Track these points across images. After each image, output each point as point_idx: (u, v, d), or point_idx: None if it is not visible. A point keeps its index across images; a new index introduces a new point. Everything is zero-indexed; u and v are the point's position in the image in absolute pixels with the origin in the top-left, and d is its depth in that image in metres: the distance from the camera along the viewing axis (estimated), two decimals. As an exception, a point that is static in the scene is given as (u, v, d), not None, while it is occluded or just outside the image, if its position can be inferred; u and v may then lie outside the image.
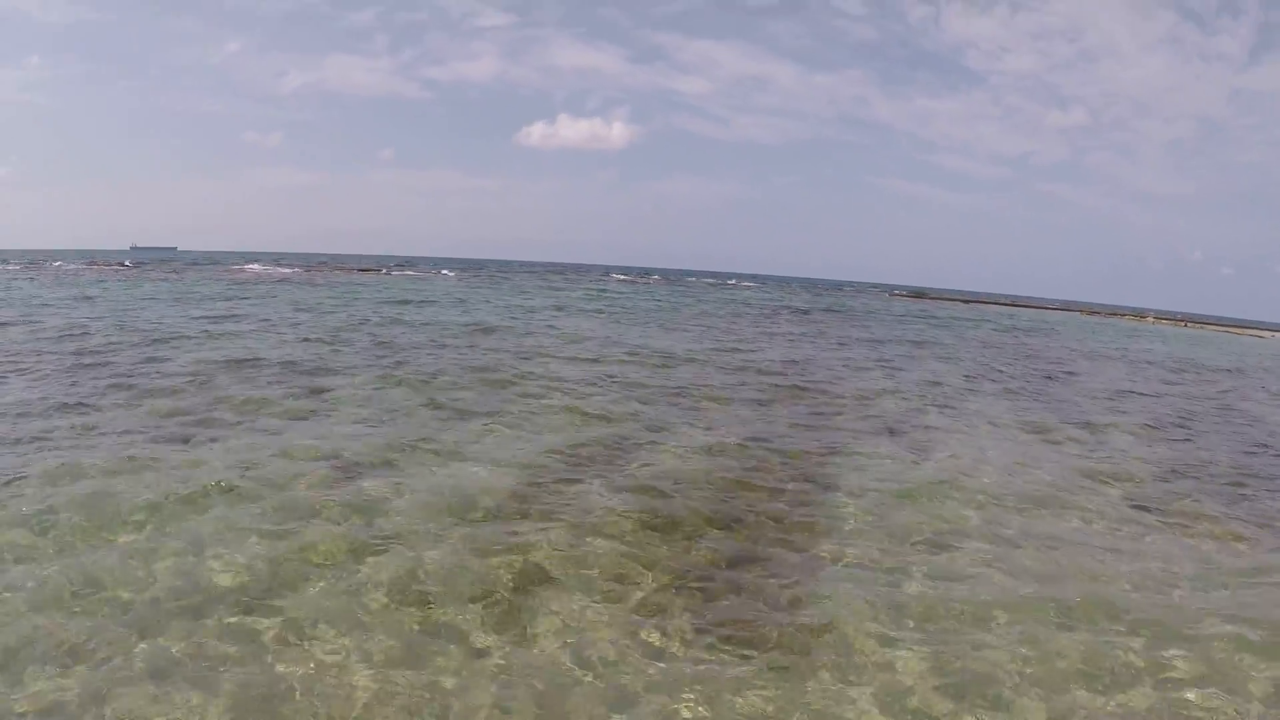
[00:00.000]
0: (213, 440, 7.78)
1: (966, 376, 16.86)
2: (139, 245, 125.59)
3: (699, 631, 4.54)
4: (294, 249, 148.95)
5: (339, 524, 5.73)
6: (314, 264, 63.30)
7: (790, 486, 7.51)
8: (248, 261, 62.23)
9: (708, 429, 9.64)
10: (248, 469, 6.80)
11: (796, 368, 16.04)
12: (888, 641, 4.50)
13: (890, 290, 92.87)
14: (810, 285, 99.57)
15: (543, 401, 10.61)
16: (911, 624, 4.74)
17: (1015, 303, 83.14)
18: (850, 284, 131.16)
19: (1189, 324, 64.79)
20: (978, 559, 5.88)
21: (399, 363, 13.20)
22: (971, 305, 66.51)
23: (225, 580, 4.75)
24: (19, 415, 8.37)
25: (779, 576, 5.39)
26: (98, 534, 5.35)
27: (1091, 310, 78.28)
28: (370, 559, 5.17)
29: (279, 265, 57.93)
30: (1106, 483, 8.45)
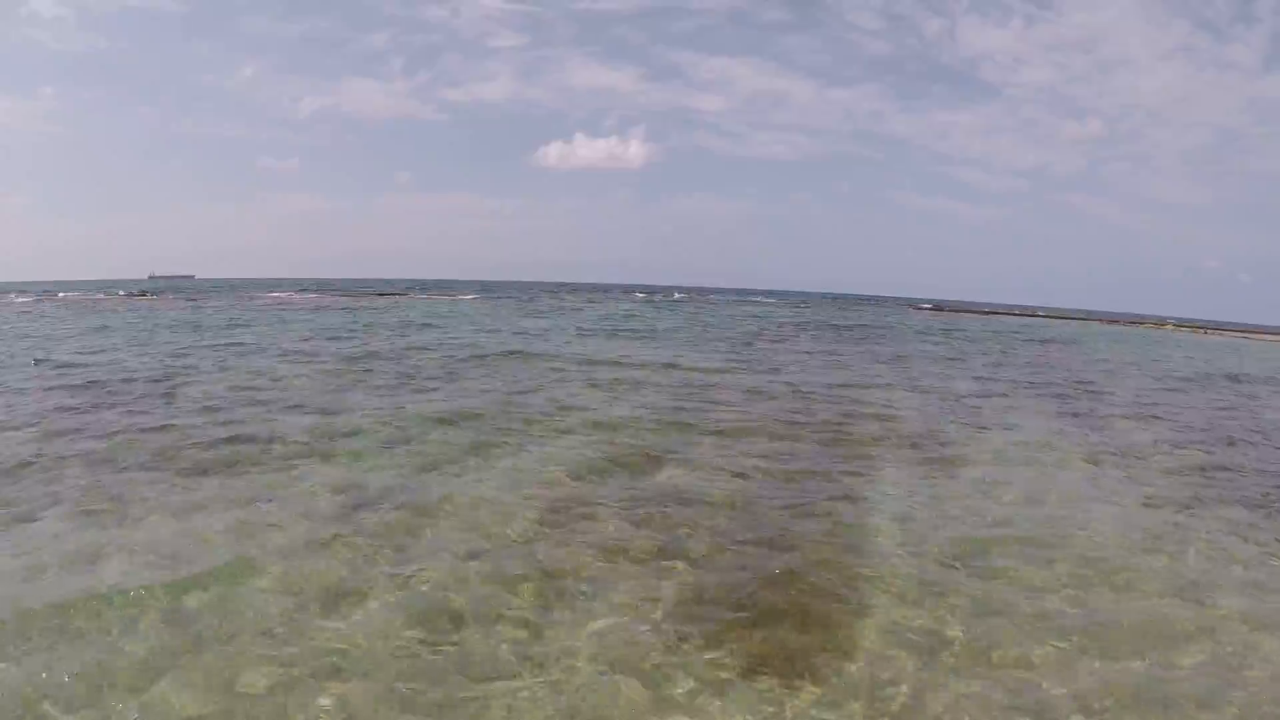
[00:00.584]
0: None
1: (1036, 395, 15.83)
2: (157, 274, 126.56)
3: (734, 659, 4.37)
4: (311, 274, 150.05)
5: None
6: (328, 291, 63.28)
7: (835, 511, 7.11)
8: (270, 289, 62.25)
9: (744, 453, 9.12)
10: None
11: (837, 389, 15.21)
12: (926, 673, 4.29)
13: (913, 304, 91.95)
14: (830, 300, 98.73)
15: (568, 422, 10.39)
16: (952, 661, 4.48)
17: (1032, 313, 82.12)
18: (870, 298, 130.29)
19: (1208, 331, 63.48)
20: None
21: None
22: (989, 317, 65.61)
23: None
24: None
25: (820, 600, 5.17)
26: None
27: (1111, 319, 77.00)
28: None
29: (303, 292, 57.98)
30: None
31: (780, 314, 51.89)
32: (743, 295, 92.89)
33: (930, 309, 78.18)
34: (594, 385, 13.89)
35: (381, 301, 47.41)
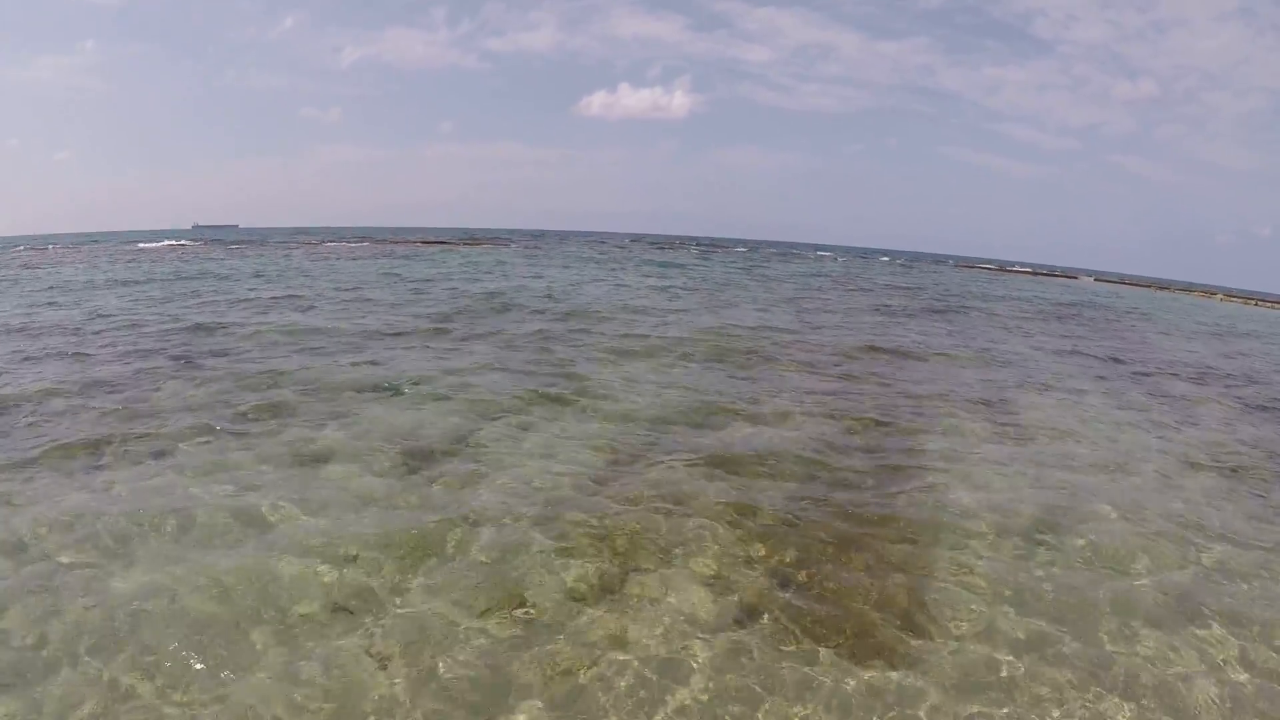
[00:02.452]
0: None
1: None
2: (200, 224, 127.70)
3: (802, 632, 4.24)
4: (355, 224, 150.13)
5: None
6: (381, 239, 63.13)
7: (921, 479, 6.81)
8: (326, 239, 62.36)
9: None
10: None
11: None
12: (1002, 653, 4.16)
13: (968, 262, 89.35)
14: (874, 255, 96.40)
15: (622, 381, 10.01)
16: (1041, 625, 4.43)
17: (1071, 274, 79.04)
18: (911, 254, 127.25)
19: (1259, 303, 57.45)
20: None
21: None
22: (1039, 279, 63.30)
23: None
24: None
25: (890, 574, 4.96)
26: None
27: (1160, 286, 73.63)
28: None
29: (346, 241, 58.05)
30: None
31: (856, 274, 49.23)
32: (786, 250, 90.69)
33: (978, 268, 76.06)
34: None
35: (465, 249, 46.73)
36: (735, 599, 4.53)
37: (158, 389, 8.52)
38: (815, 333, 15.75)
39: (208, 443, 6.72)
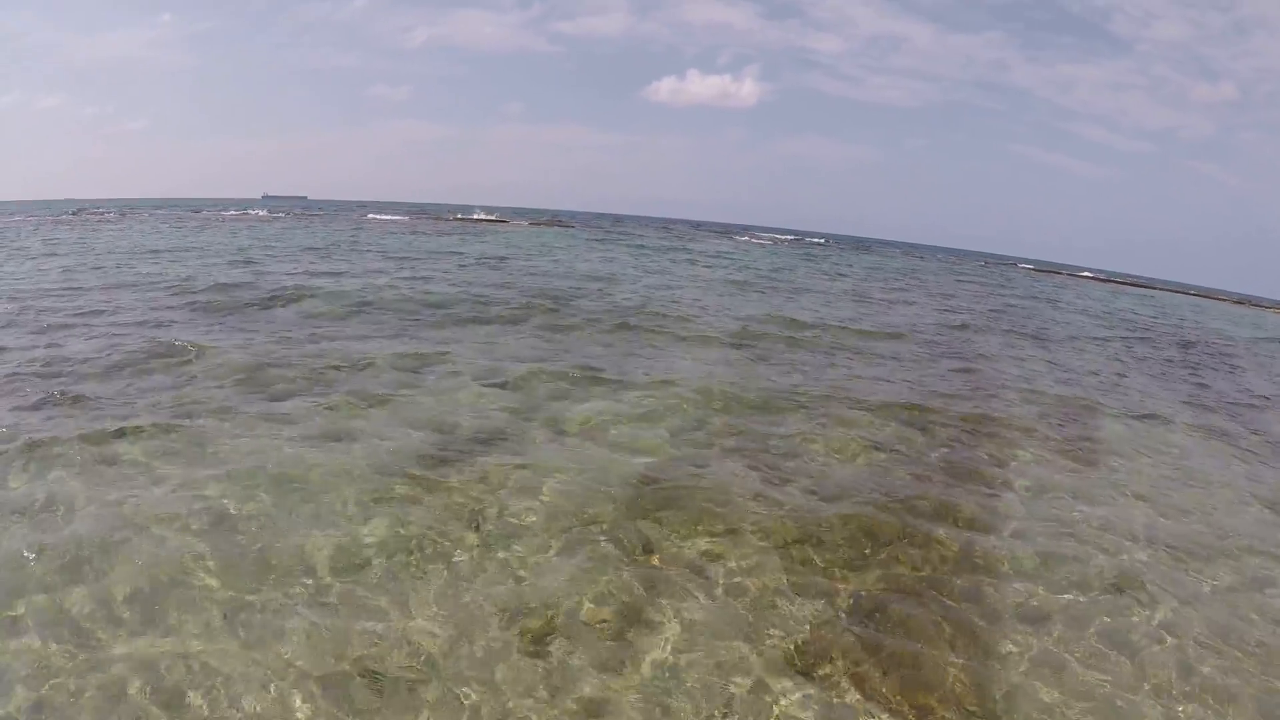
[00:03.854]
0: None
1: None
2: (270, 194, 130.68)
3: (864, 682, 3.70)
4: (422, 200, 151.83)
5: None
6: (437, 215, 63.72)
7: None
8: (371, 211, 63.11)
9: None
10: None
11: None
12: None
13: (1064, 269, 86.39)
14: (944, 255, 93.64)
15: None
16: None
17: (1144, 284, 75.34)
18: (974, 254, 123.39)
19: None
20: None
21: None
22: (1111, 286, 60.72)
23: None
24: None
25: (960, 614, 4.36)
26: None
27: (1237, 300, 69.67)
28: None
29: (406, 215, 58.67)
30: None
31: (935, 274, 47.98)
32: (859, 243, 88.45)
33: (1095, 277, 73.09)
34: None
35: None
36: (789, 636, 4.06)
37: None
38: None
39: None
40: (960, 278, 41.02)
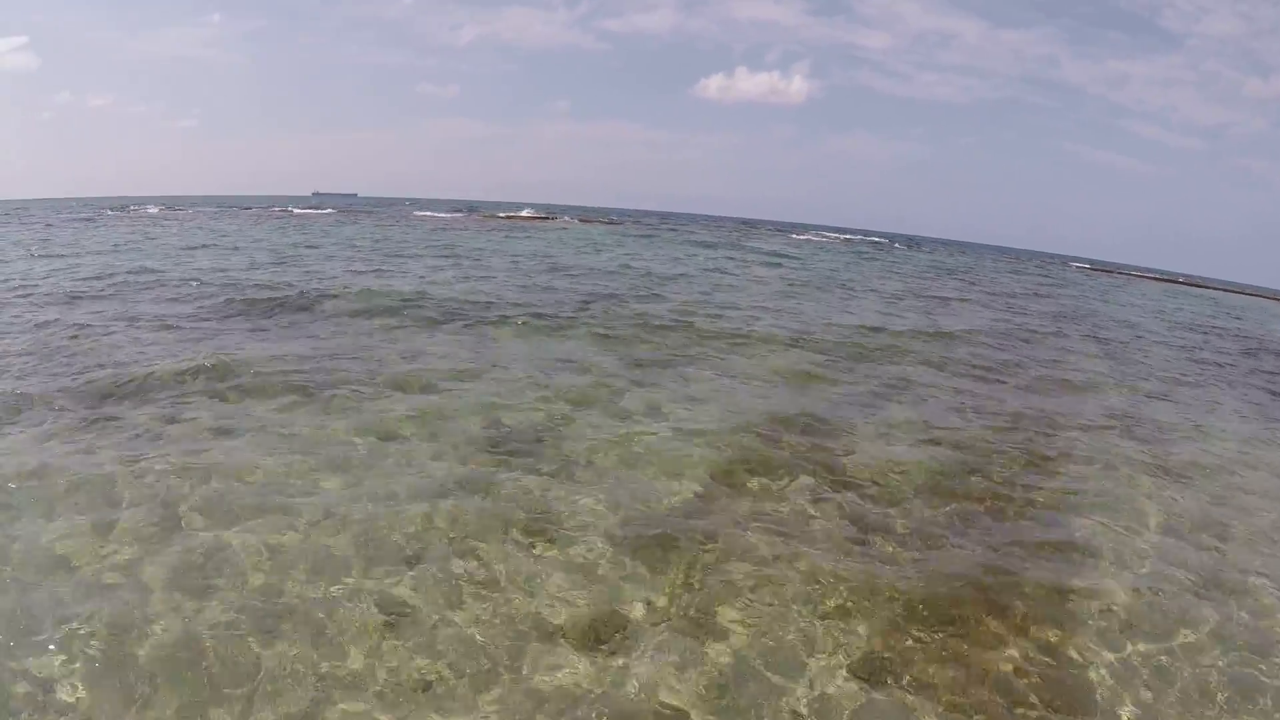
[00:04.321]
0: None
1: None
2: (320, 191, 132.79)
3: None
4: (470, 197, 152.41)
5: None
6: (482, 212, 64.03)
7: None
8: (417, 208, 63.55)
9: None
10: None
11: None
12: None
13: (1127, 271, 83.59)
14: (994, 253, 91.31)
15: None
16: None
17: (1199, 283, 72.19)
18: (1027, 253, 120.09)
19: None
20: None
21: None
22: (1168, 284, 58.65)
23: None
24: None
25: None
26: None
27: None
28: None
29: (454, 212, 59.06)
30: None
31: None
32: (912, 241, 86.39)
33: (1094, 269, 71.07)
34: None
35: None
36: (849, 652, 3.89)
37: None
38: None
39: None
40: (1022, 275, 39.88)
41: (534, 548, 4.60)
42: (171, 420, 6.25)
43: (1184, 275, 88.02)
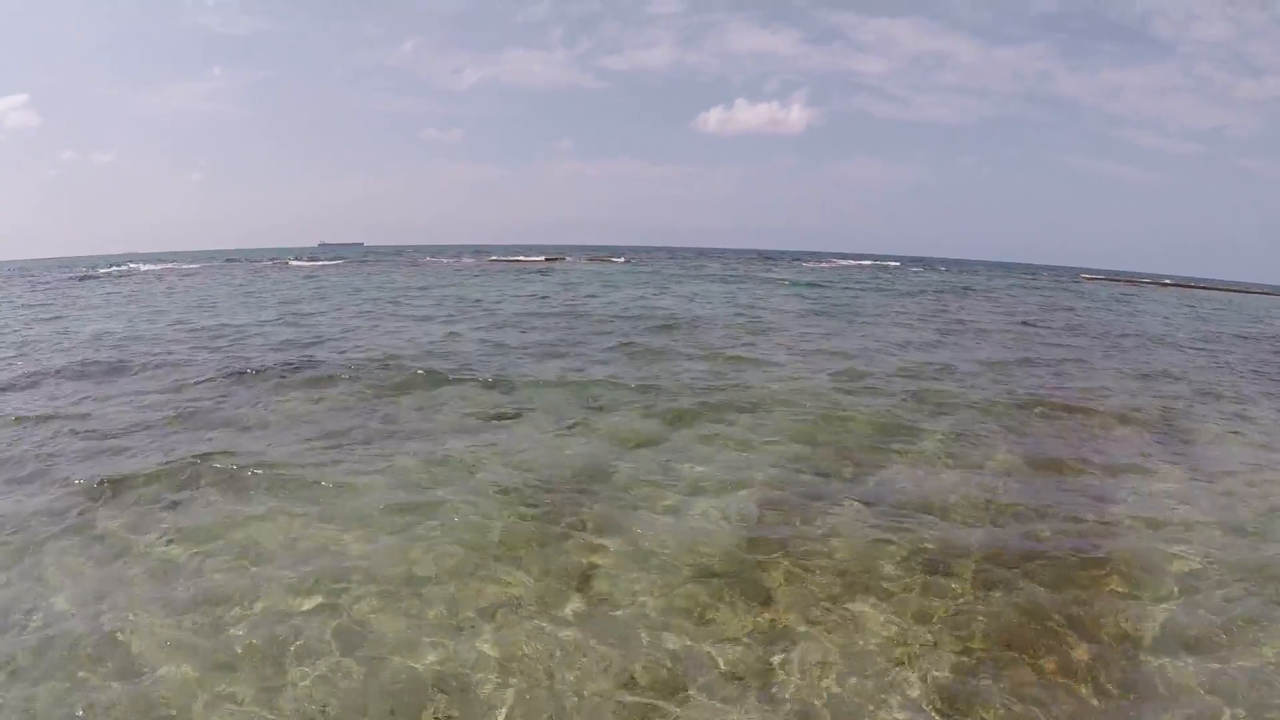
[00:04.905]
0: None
1: None
2: (327, 242, 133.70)
3: None
4: (478, 241, 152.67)
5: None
6: (489, 256, 63.96)
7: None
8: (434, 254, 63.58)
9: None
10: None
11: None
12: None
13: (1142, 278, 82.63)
14: (1004, 270, 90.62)
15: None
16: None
17: (1209, 286, 71.20)
18: (1037, 267, 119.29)
19: None
20: None
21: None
22: (1182, 290, 57.80)
23: None
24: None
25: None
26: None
27: None
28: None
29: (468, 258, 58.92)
30: None
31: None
32: (924, 263, 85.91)
33: (1103, 279, 70.16)
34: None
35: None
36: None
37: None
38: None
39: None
40: (1038, 292, 39.10)
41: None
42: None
43: (1193, 280, 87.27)
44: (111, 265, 52.50)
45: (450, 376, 10.13)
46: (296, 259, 57.80)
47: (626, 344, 13.55)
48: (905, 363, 12.59)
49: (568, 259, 59.26)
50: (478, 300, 22.99)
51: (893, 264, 75.25)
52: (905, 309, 23.32)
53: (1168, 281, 74.42)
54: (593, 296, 24.82)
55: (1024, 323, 20.96)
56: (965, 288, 37.33)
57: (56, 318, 18.83)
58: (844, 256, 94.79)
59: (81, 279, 37.84)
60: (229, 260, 59.81)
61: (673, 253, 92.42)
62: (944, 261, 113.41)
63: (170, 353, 12.38)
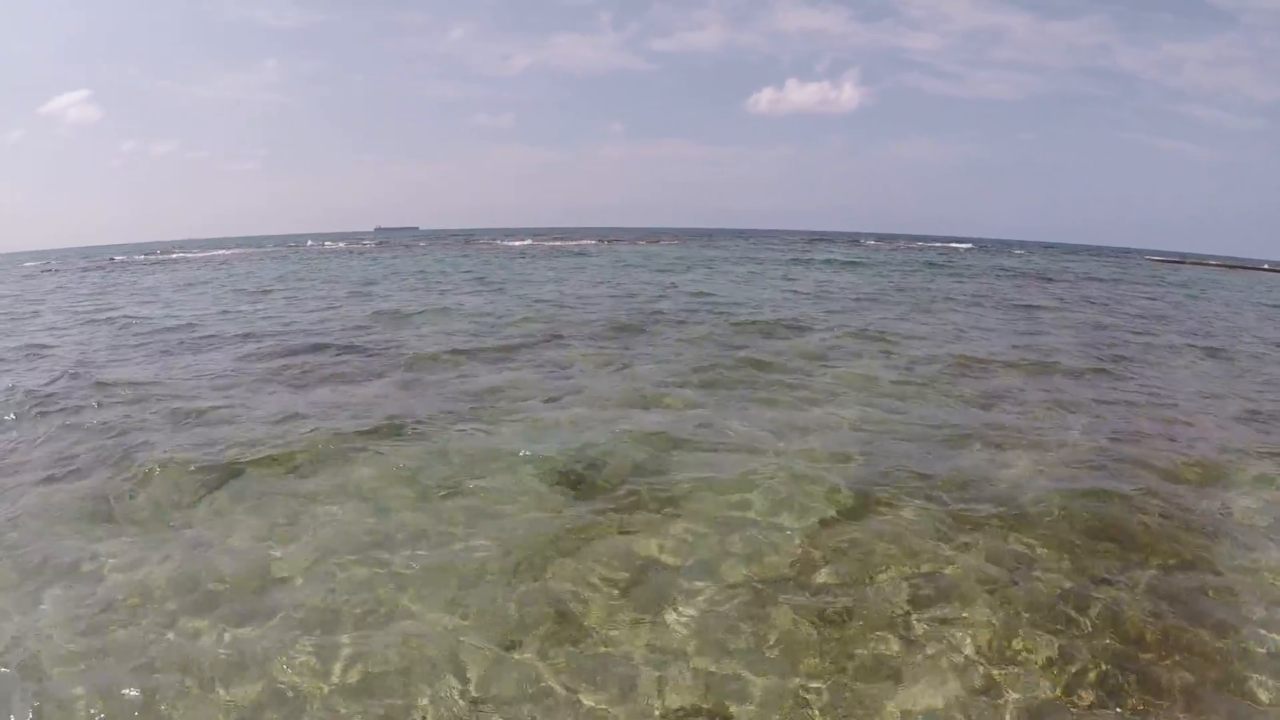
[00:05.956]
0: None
1: None
2: (383, 226, 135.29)
3: None
4: (531, 224, 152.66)
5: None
6: (549, 236, 64.31)
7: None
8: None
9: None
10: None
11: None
12: None
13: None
14: (1057, 250, 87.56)
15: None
16: None
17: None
18: (1091, 248, 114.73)
19: None
20: None
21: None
22: (1251, 273, 55.45)
23: None
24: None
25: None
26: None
27: None
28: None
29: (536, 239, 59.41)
30: None
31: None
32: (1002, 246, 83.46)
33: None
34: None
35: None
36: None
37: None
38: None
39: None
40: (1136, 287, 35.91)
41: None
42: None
43: (1264, 261, 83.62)
44: (194, 250, 53.91)
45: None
46: (377, 241, 58.72)
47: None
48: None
49: (617, 242, 59.11)
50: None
51: (961, 246, 72.80)
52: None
53: (1236, 264, 71.59)
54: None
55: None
56: (1045, 278, 34.48)
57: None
58: (896, 238, 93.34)
59: (159, 262, 38.92)
60: (302, 244, 60.67)
61: (731, 234, 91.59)
62: (996, 242, 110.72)
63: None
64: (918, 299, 20.61)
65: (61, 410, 7.98)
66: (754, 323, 14.01)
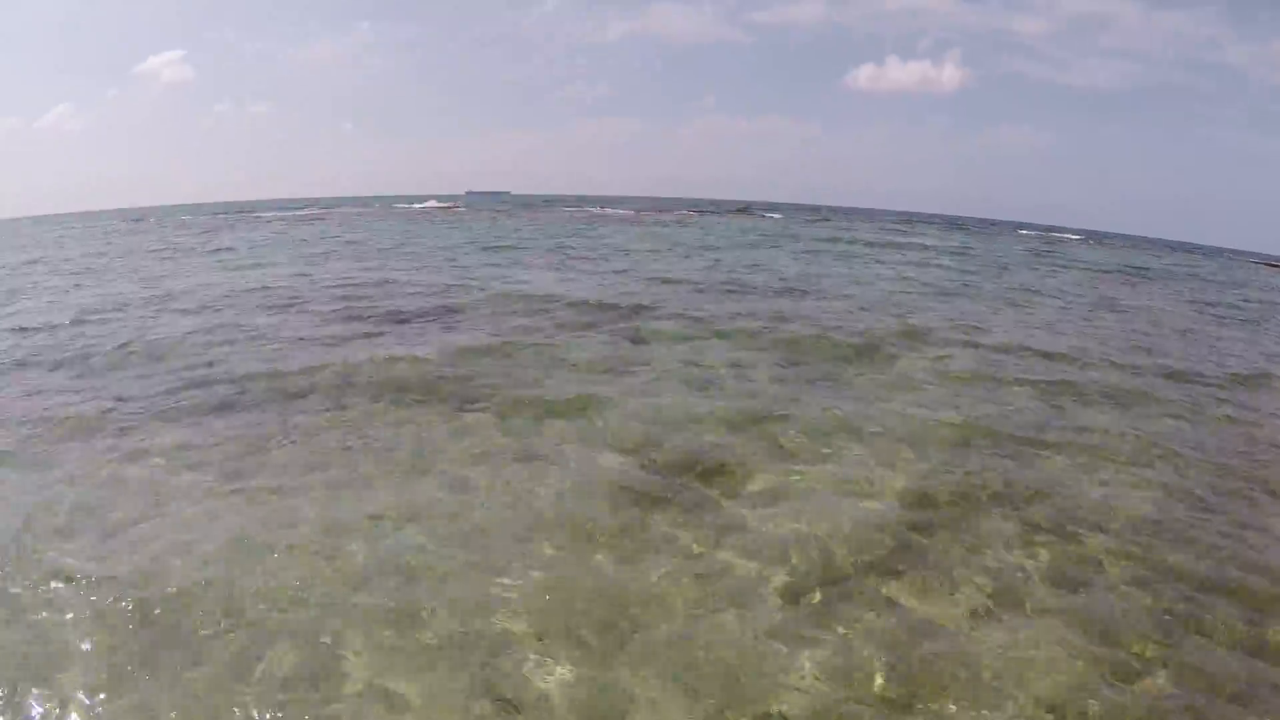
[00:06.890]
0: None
1: None
2: (473, 190, 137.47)
3: None
4: (624, 193, 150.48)
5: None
6: (654, 208, 64.72)
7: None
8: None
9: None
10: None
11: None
12: None
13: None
14: (1156, 247, 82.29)
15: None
16: None
17: None
18: (1190, 246, 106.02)
19: None
20: None
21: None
22: None
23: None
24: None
25: None
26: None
27: None
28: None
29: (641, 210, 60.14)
30: None
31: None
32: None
33: None
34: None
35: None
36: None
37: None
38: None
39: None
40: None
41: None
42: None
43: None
44: (306, 208, 56.23)
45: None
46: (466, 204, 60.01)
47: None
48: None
49: (706, 215, 58.95)
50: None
51: (1071, 236, 68.61)
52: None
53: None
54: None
55: None
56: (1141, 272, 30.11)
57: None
58: (994, 224, 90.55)
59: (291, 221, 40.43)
60: (403, 204, 61.60)
61: (830, 211, 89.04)
62: (1099, 235, 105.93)
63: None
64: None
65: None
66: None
